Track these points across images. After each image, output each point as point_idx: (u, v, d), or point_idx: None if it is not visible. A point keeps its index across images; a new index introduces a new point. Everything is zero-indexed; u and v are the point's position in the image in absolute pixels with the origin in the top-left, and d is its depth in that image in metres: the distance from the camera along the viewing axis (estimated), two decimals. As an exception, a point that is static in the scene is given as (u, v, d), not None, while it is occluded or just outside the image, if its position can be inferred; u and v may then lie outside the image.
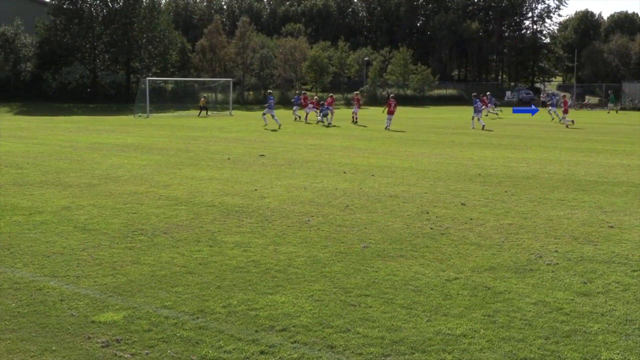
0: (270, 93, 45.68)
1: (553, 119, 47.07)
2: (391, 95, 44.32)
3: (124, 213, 12.64)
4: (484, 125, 38.99)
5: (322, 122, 42.23)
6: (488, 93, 57.00)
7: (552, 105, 49.13)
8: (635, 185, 16.63)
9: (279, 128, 37.15)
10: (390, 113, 38.15)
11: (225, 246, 10.14)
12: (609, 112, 68.03)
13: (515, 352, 6.27)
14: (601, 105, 78.84)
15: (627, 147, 27.33)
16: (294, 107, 48.25)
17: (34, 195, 14.57)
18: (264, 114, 41.20)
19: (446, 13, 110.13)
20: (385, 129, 37.34)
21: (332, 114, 42.67)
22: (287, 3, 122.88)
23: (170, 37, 74.73)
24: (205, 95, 57.52)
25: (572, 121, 42.70)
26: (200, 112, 52.73)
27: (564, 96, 49.80)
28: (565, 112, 43.96)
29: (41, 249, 9.90)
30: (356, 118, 44.27)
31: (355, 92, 53.66)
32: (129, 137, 31.11)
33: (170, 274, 8.69)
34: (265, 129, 37.29)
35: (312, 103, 46.85)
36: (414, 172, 18.79)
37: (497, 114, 54.44)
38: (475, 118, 39.81)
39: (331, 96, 47.21)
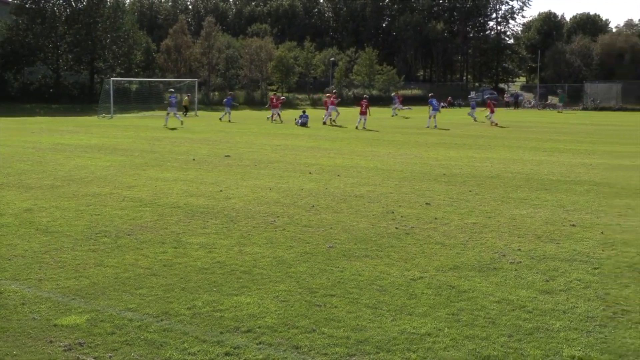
0: (230, 94, 47.23)
1: (476, 119, 47.61)
2: (365, 96, 44.99)
3: (87, 215, 12.50)
4: (435, 126, 39.92)
5: (326, 122, 43.16)
6: (431, 94, 58.04)
7: (472, 107, 49.64)
8: (597, 184, 16.88)
9: (181, 125, 39.30)
10: (362, 113, 39.04)
11: (190, 247, 10.08)
12: (560, 112, 68.77)
13: (479, 350, 6.33)
14: (563, 105, 79.81)
15: (589, 147, 27.73)
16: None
17: (-5, 197, 14.35)
18: (224, 115, 46.51)
19: (411, 14, 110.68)
20: (356, 128, 38.16)
21: (337, 113, 43.42)
22: (253, 3, 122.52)
23: (134, 37, 74.03)
24: (189, 95, 57.25)
25: (497, 123, 43.64)
26: (186, 113, 52.71)
27: (488, 98, 50.66)
28: (492, 112, 45.02)
29: (2, 252, 9.75)
30: (329, 119, 44.50)
31: (332, 92, 54.29)
32: (93, 138, 30.78)
33: (134, 276, 8.62)
34: (224, 122, 37.20)
35: (278, 103, 47.16)
36: (380, 172, 18.86)
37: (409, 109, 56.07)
38: (432, 117, 40.68)
39: (332, 94, 48.12)
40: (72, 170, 18.79)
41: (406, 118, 51.66)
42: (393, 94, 57.90)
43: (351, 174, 18.54)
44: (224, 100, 49.96)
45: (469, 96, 51.12)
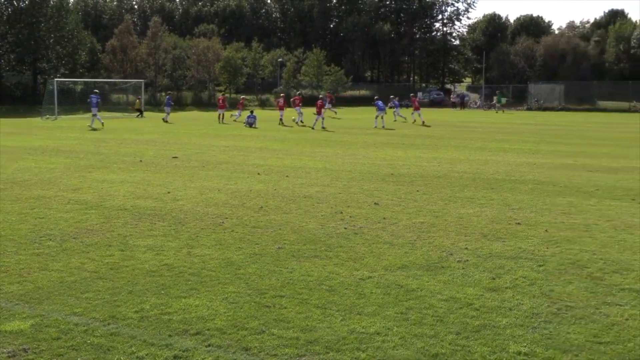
0: (169, 94, 47.95)
1: (395, 120, 48.12)
2: (320, 96, 45.47)
3: (31, 218, 12.26)
4: (382, 126, 40.39)
5: (299, 122, 43.61)
6: (376, 97, 58.27)
7: (395, 106, 50.00)
8: (541, 183, 17.20)
9: (102, 126, 39.29)
10: (318, 113, 39.92)
11: (138, 250, 9.96)
12: (497, 112, 69.73)
13: (427, 348, 6.39)
14: (508, 105, 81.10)
15: (533, 146, 28.24)
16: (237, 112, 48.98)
17: None
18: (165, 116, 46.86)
19: (359, 15, 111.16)
20: (312, 128, 38.80)
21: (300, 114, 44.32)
22: (200, 3, 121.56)
23: (79, 37, 72.85)
24: (139, 97, 56.75)
25: (424, 121, 44.94)
26: (138, 115, 52.54)
27: (413, 95, 51.28)
28: (417, 109, 46.38)
29: (-58, 257, 9.50)
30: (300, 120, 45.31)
31: (298, 93, 54.44)
32: (37, 139, 30.18)
33: (80, 279, 8.48)
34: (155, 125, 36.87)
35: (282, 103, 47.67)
36: (328, 173, 18.91)
37: (335, 112, 55.95)
38: (379, 117, 41.37)
39: (297, 96, 48.49)
40: (14, 173, 18.39)
41: (336, 118, 51.35)
42: (322, 94, 57.52)
43: (300, 174, 18.55)
44: (165, 100, 50.32)
45: (390, 96, 51.34)
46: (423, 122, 44.67)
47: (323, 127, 39.17)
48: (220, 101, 48.04)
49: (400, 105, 53.85)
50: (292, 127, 41.18)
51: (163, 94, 77.84)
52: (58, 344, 6.44)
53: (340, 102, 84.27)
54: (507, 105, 74.83)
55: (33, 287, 8.18)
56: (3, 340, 6.52)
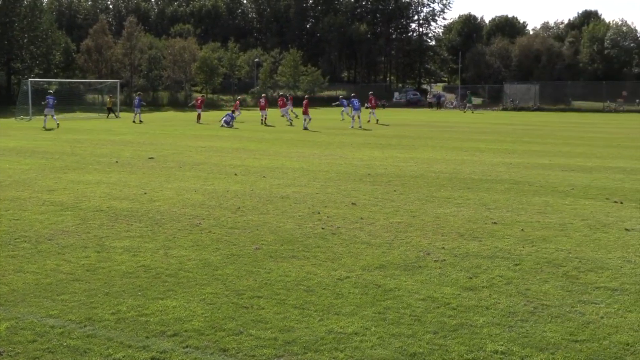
0: (139, 94, 48.24)
1: (343, 119, 48.43)
2: (305, 96, 45.78)
3: (5, 220, 12.13)
4: (360, 127, 40.54)
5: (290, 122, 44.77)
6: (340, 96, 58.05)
7: (343, 105, 49.92)
8: (516, 183, 17.32)
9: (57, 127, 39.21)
10: (305, 113, 40.28)
11: (114, 251, 9.90)
12: (465, 112, 69.98)
13: (405, 347, 6.41)
14: (484, 105, 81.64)
15: (509, 146, 28.43)
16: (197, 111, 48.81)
17: None
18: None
19: (335, 15, 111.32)
20: (304, 128, 38.77)
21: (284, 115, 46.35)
22: (176, 3, 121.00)
23: (53, 37, 72.27)
24: (111, 96, 56.35)
25: (377, 119, 45.74)
26: (108, 114, 52.23)
27: (371, 93, 51.28)
28: (372, 107, 46.89)
29: None
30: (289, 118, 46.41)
31: (281, 94, 54.46)
32: (11, 140, 29.87)
33: (56, 281, 8.41)
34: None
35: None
36: (305, 173, 18.91)
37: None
38: (356, 116, 41.50)
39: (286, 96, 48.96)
40: (-12, 174, 18.20)
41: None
42: (281, 94, 56.90)
43: (277, 175, 18.53)
44: (134, 101, 49.81)
45: (434, 93, 50.86)
46: (377, 120, 45.42)
47: (306, 128, 38.97)
48: (199, 102, 48.33)
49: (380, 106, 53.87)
50: (274, 127, 41.29)
51: (139, 94, 77.66)
52: (34, 346, 6.38)
53: (317, 102, 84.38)
54: (483, 105, 75.21)
55: (8, 289, 8.10)
56: (-23, 343, 6.44)
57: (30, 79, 54.61)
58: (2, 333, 6.69)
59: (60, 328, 6.83)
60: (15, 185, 16.27)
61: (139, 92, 55.83)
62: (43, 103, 41.55)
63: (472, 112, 69.57)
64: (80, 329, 6.81)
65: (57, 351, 6.28)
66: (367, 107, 47.40)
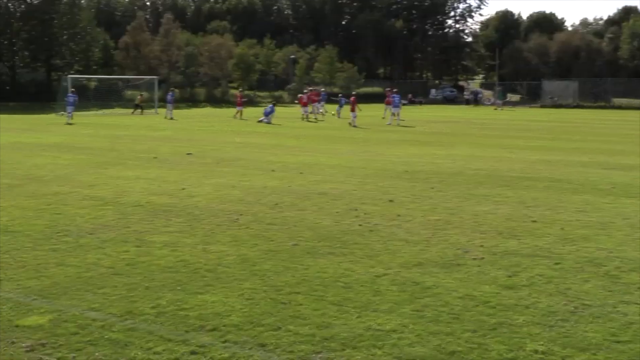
0: (171, 90, 48.25)
1: (333, 114, 48.20)
2: (353, 93, 45.51)
3: (47, 214, 12.32)
4: (398, 123, 40.09)
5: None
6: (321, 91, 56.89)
7: (340, 104, 49.19)
8: (556, 181, 17.12)
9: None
10: (353, 110, 39.85)
11: (153, 246, 10.00)
12: (495, 109, 68.63)
13: (443, 345, 6.38)
14: (522, 102, 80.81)
15: (548, 144, 28.12)
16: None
17: (-49, 197, 14.07)
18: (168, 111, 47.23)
19: (371, 11, 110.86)
20: (349, 124, 38.78)
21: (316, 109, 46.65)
22: (212, 0, 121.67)
23: (92, 33, 73.13)
24: (142, 94, 56.89)
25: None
26: (134, 110, 52.57)
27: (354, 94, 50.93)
28: (305, 105, 46.08)
29: (-40, 252, 9.57)
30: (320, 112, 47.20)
31: (310, 89, 54.44)
32: (51, 136, 30.34)
33: (97, 275, 8.52)
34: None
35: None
36: (342, 170, 18.90)
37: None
38: (395, 114, 41.15)
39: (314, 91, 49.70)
40: (30, 169, 18.50)
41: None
42: (310, 88, 55.59)
43: (314, 171, 18.55)
44: (167, 96, 49.67)
45: (471, 90, 50.20)
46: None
47: (354, 125, 38.46)
48: (239, 98, 48.51)
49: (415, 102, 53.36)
50: (316, 122, 41.54)
51: (177, 90, 78.23)
52: (76, 339, 6.48)
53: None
54: (522, 102, 74.32)
55: (50, 282, 8.23)
56: (22, 334, 6.56)
57: (69, 76, 55.35)
58: (45, 325, 6.80)
59: (101, 321, 6.92)
60: (57, 180, 16.51)
61: (170, 88, 56.21)
62: (65, 100, 42.58)
63: (501, 109, 68.10)
64: (120, 323, 6.89)
65: (98, 344, 6.36)
66: (404, 104, 47.15)
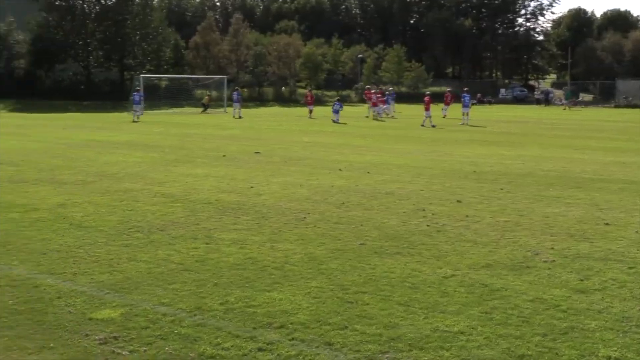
0: (236, 89, 48.72)
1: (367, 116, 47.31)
2: (427, 92, 45.13)
3: (119, 210, 12.62)
4: (466, 123, 39.71)
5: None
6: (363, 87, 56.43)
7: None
8: (631, 183, 16.66)
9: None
10: (427, 110, 38.97)
11: (222, 243, 10.13)
12: (564, 109, 66.75)
13: (513, 349, 6.29)
14: (595, 102, 78.89)
15: (622, 145, 27.39)
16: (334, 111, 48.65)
17: (29, 192, 14.54)
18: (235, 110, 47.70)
19: (439, 10, 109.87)
20: (421, 125, 38.17)
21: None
22: (280, 0, 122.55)
23: (163, 34, 74.48)
24: (209, 93, 57.83)
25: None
26: (203, 109, 53.43)
27: (368, 88, 49.63)
28: (374, 105, 46.08)
29: (37, 246, 9.88)
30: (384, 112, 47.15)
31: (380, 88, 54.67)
32: (123, 134, 31.04)
33: (167, 271, 8.69)
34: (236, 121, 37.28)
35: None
36: (409, 170, 18.80)
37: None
38: (465, 113, 40.41)
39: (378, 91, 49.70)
40: (103, 166, 18.97)
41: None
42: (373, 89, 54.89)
43: (381, 171, 18.50)
44: (232, 95, 50.18)
45: (542, 90, 49.18)
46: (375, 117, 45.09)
47: (432, 125, 37.81)
48: (309, 97, 48.81)
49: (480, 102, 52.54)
50: (383, 121, 41.53)
51: (245, 90, 79.00)
52: (147, 332, 6.62)
53: (421, 98, 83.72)
54: (594, 102, 72.47)
55: (122, 277, 8.42)
56: (95, 327, 6.74)
57: (142, 75, 56.52)
58: (117, 319, 6.97)
59: (171, 316, 7.05)
60: (129, 178, 16.89)
61: (236, 87, 56.72)
62: (130, 98, 43.79)
63: (566, 109, 66.21)
64: (190, 318, 7.01)
65: (168, 338, 6.49)
66: (473, 104, 46.61)
